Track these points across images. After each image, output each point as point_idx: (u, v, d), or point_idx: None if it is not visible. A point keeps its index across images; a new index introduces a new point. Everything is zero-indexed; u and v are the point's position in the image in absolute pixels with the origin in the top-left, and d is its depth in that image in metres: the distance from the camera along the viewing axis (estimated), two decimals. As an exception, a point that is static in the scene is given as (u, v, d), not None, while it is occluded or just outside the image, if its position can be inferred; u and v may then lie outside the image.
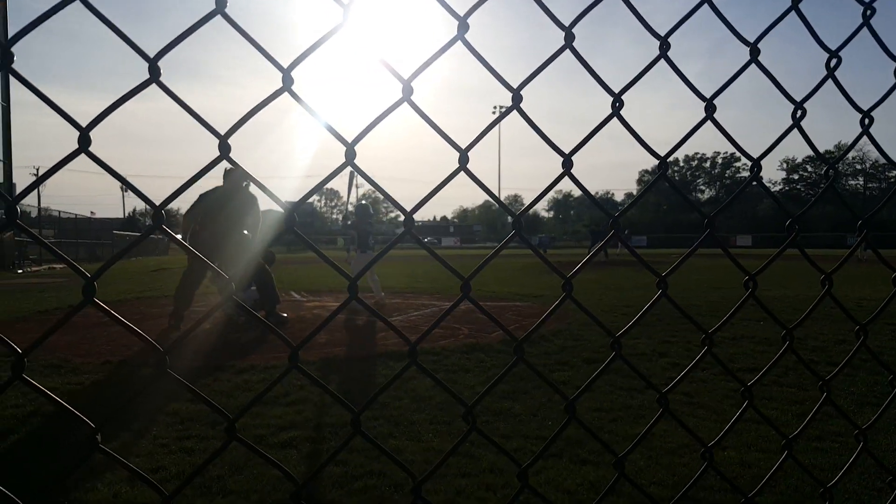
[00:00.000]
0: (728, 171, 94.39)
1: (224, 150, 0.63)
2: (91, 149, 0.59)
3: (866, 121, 1.02)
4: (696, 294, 10.54)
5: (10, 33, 0.57)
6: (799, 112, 0.96)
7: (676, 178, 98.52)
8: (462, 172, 0.74)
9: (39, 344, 0.64)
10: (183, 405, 3.86)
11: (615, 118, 0.84)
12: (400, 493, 2.70)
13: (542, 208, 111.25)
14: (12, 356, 0.59)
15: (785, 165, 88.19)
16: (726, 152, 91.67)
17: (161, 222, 0.64)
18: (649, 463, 3.03)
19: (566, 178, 0.85)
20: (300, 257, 31.68)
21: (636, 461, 3.03)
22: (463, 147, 0.73)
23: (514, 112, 0.81)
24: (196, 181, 0.64)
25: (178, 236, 6.99)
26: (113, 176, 0.61)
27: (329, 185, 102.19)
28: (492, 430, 3.52)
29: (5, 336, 0.60)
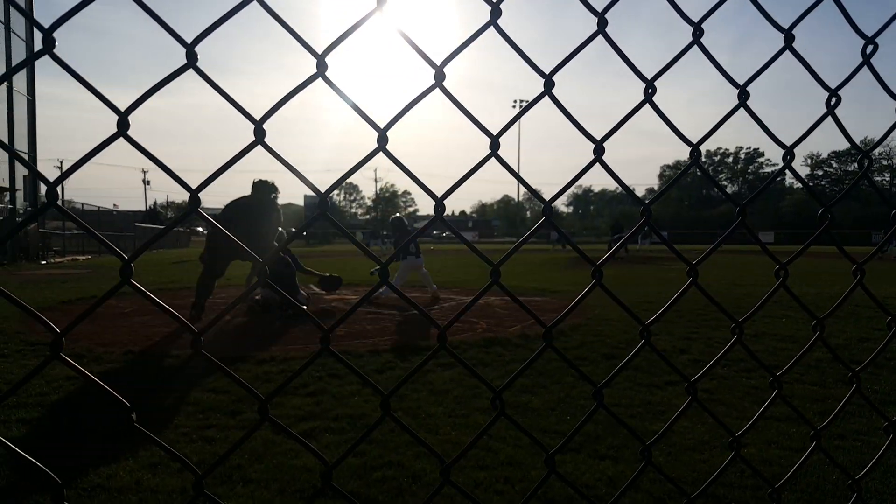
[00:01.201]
0: (751, 167, 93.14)
1: (259, 135, 0.63)
2: (111, 143, 0.60)
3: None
4: (717, 290, 10.43)
5: (38, 24, 0.58)
6: (833, 99, 0.94)
7: (697, 172, 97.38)
8: (493, 159, 0.74)
9: (77, 324, 0.66)
10: (204, 395, 3.91)
11: (647, 105, 0.84)
12: (418, 484, 2.72)
13: (561, 203, 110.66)
14: (50, 337, 0.61)
15: (809, 161, 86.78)
16: (749, 147, 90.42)
17: (198, 205, 0.65)
18: (669, 459, 3.02)
19: (595, 167, 0.84)
20: (318, 251, 31.86)
21: (655, 457, 3.02)
22: (494, 133, 0.73)
23: (535, 105, 0.81)
24: (231, 165, 0.65)
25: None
26: (150, 159, 0.62)
27: (349, 180, 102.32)
28: (509, 423, 3.52)
29: (31, 326, 0.61)
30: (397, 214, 10.47)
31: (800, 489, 2.70)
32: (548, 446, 3.19)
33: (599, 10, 0.80)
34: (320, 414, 3.58)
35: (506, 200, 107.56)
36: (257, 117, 0.67)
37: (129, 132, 0.61)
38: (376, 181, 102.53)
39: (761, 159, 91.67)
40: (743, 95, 0.88)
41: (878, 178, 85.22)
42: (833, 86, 0.95)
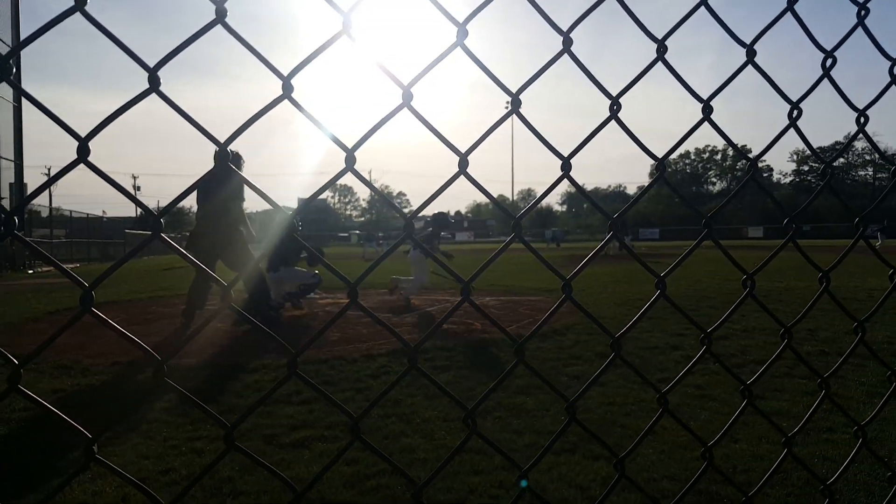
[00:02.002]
0: (739, 164, 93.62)
1: (223, 157, 0.63)
2: (103, 147, 0.59)
3: (861, 119, 1.01)
4: (709, 285, 10.49)
5: (24, 34, 0.57)
6: (795, 112, 0.94)
7: (688, 170, 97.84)
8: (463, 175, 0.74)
9: (34, 357, 0.65)
10: (193, 406, 3.90)
11: (613, 121, 0.83)
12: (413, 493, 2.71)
13: (555, 202, 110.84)
14: (10, 366, 0.60)
15: (795, 157, 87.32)
16: (740, 144, 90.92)
17: (159, 230, 0.64)
18: (661, 457, 3.02)
19: (568, 178, 0.84)
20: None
21: (648, 455, 3.02)
22: (463, 151, 0.72)
23: (523, 106, 0.81)
24: (193, 190, 0.64)
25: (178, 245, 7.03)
26: (113, 186, 0.61)
27: (343, 182, 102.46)
28: (505, 425, 3.52)
29: (13, 339, 0.60)
30: (443, 211, 10.21)
31: (790, 483, 2.72)
32: (542, 448, 3.18)
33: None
34: (313, 422, 3.56)
35: (500, 200, 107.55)
36: (245, 120, 0.67)
37: (118, 136, 0.60)
38: (372, 182, 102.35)
39: (750, 155, 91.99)
40: (707, 110, 0.88)
41: (863, 173, 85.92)
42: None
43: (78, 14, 0.61)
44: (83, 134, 0.56)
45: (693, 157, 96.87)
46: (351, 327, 6.78)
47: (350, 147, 0.68)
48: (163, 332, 6.72)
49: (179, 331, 6.79)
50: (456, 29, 0.70)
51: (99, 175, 0.58)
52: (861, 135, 1.03)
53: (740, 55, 0.94)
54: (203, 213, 6.87)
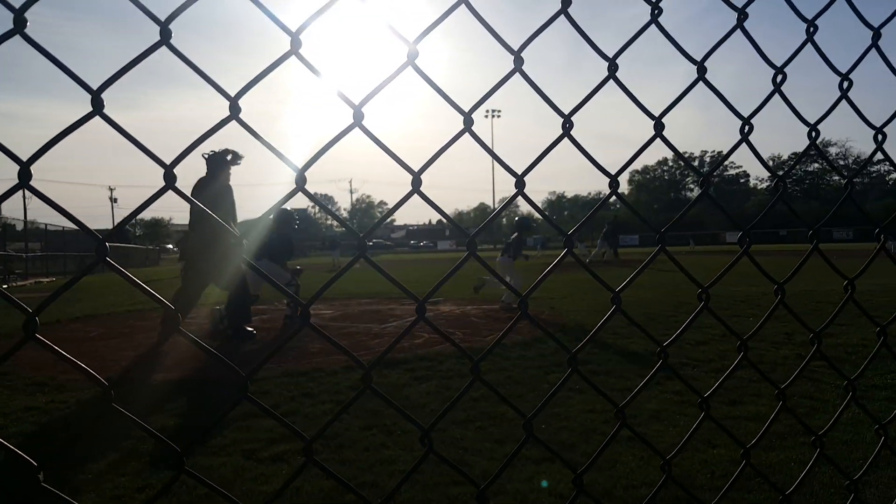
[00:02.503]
0: (716, 170, 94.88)
1: (169, 179, 0.62)
2: (77, 159, 0.59)
3: (813, 133, 1.03)
4: (686, 292, 10.58)
5: None
6: (747, 127, 0.96)
7: (666, 177, 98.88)
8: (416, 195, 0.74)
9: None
10: (170, 419, 3.83)
11: (566, 139, 0.84)
12: (391, 504, 2.69)
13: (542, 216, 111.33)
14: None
15: (771, 163, 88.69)
16: (714, 151, 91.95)
17: (105, 254, 0.63)
18: (641, 464, 3.03)
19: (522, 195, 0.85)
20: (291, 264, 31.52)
21: (627, 462, 3.03)
22: (416, 170, 0.72)
23: (506, 114, 0.81)
24: (141, 211, 0.64)
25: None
26: (56, 209, 0.60)
27: (324, 191, 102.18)
28: (486, 435, 3.52)
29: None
30: (524, 217, 10.58)
31: (763, 489, 2.74)
32: (522, 457, 3.15)
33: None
34: (292, 437, 3.52)
35: (482, 208, 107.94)
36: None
37: (93, 145, 0.59)
38: (351, 192, 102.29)
39: (726, 163, 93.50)
40: (659, 126, 0.89)
41: (836, 178, 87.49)
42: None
43: (41, 22, 0.60)
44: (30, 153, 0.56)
45: (671, 164, 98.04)
46: (333, 338, 6.74)
47: (300, 167, 0.68)
48: (140, 347, 6.63)
49: (156, 344, 6.68)
50: (406, 49, 0.70)
51: (43, 200, 0.57)
52: (814, 149, 1.05)
53: (715, 66, 0.95)
54: (199, 236, 6.36)
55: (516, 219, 9.92)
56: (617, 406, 1.04)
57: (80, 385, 4.85)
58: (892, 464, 2.91)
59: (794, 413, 1.25)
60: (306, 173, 0.72)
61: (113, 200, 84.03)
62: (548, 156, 0.86)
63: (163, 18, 0.62)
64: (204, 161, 6.34)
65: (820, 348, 1.18)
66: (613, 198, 1.00)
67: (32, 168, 0.58)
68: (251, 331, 6.99)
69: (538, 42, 0.80)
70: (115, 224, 0.63)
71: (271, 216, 8.55)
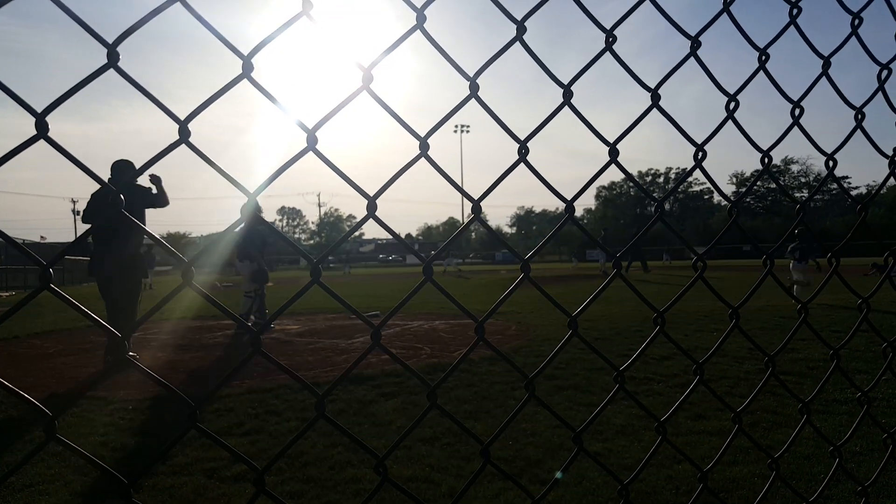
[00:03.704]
0: (681, 186, 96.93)
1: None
2: (37, 170, 0.57)
3: (766, 159, 1.06)
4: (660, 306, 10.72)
5: None
6: (700, 154, 0.99)
7: (632, 192, 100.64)
8: (372, 218, 0.74)
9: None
10: (131, 439, 3.73)
11: (522, 163, 0.85)
12: (356, 524, 2.65)
13: (504, 224, 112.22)
14: None
15: (734, 179, 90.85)
16: (679, 168, 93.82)
17: (49, 281, 0.61)
18: (607, 480, 3.05)
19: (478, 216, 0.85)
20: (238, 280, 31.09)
21: (593, 479, 3.04)
22: (371, 194, 0.72)
23: (474, 129, 0.82)
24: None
25: None
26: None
27: (293, 204, 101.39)
28: (453, 451, 3.50)
29: None
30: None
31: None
32: (489, 474, 3.14)
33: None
34: (256, 454, 3.46)
35: (451, 223, 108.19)
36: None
37: (55, 158, 0.57)
38: (319, 206, 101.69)
39: (690, 179, 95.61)
40: (613, 153, 0.91)
41: (798, 194, 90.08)
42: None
43: (14, 32, 0.59)
44: None
45: (638, 180, 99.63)
46: (298, 354, 6.66)
47: (252, 191, 0.67)
48: (99, 363, 6.44)
49: (107, 371, 6.50)
50: (361, 74, 0.71)
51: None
52: (766, 174, 1.09)
53: (678, 89, 0.97)
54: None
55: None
56: (575, 430, 1.05)
57: (40, 401, 4.69)
58: (842, 480, 2.98)
59: (749, 437, 1.27)
60: (273, 187, 0.72)
61: (76, 213, 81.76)
62: (517, 173, 0.87)
63: (115, 36, 0.61)
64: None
65: (774, 372, 1.21)
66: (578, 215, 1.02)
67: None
68: (133, 355, 6.78)
69: (505, 60, 0.81)
70: (61, 251, 0.61)
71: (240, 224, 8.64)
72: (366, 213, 0.72)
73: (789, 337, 1.33)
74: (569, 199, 0.92)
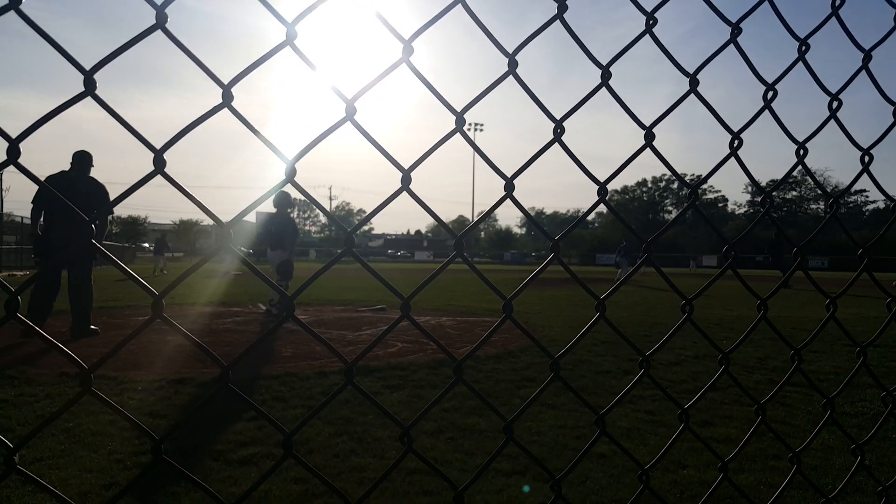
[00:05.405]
0: (703, 184, 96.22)
1: (159, 164, 0.61)
2: (53, 154, 0.57)
3: (801, 151, 1.05)
4: (661, 312, 10.69)
5: None
6: (736, 142, 0.98)
7: (645, 198, 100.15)
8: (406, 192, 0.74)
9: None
10: (106, 427, 3.76)
11: (557, 143, 0.85)
12: (360, 512, 2.66)
13: (514, 224, 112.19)
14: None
15: (750, 188, 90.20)
16: (693, 174, 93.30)
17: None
18: (611, 481, 3.04)
19: (510, 200, 0.85)
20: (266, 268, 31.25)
21: (598, 479, 3.04)
22: (406, 168, 0.73)
23: (488, 128, 0.82)
24: (122, 200, 0.63)
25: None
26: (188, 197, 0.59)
27: (303, 198, 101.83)
28: (456, 446, 3.50)
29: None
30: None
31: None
32: (493, 470, 3.15)
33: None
34: (262, 439, 3.48)
35: (461, 221, 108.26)
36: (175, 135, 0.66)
37: (48, 139, 0.58)
38: (331, 199, 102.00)
39: (704, 186, 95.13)
40: (649, 136, 0.91)
41: (815, 206, 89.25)
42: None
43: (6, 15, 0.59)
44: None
45: (650, 186, 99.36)
46: (304, 344, 6.68)
47: (291, 158, 0.67)
48: (110, 343, 6.50)
49: (112, 342, 6.55)
50: (402, 45, 0.71)
51: (176, 187, 0.57)
52: (801, 166, 1.08)
53: (701, 88, 0.97)
54: (66, 220, 6.53)
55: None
56: (598, 413, 1.05)
57: (49, 379, 4.74)
58: (860, 490, 2.96)
59: (771, 428, 1.26)
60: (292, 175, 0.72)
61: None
62: (529, 172, 0.87)
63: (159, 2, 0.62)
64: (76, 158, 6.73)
65: (800, 365, 1.20)
66: (590, 215, 1.01)
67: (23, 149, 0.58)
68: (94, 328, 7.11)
69: (522, 60, 0.81)
70: (114, 200, 0.62)
71: (273, 207, 8.77)
72: (400, 185, 0.72)
73: (819, 329, 1.31)
74: (602, 181, 0.92)
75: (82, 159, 6.67)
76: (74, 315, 6.88)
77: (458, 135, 0.85)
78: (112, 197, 6.17)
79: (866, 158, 1.13)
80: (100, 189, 6.82)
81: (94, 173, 6.82)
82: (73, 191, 6.36)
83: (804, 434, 3.85)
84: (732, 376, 1.24)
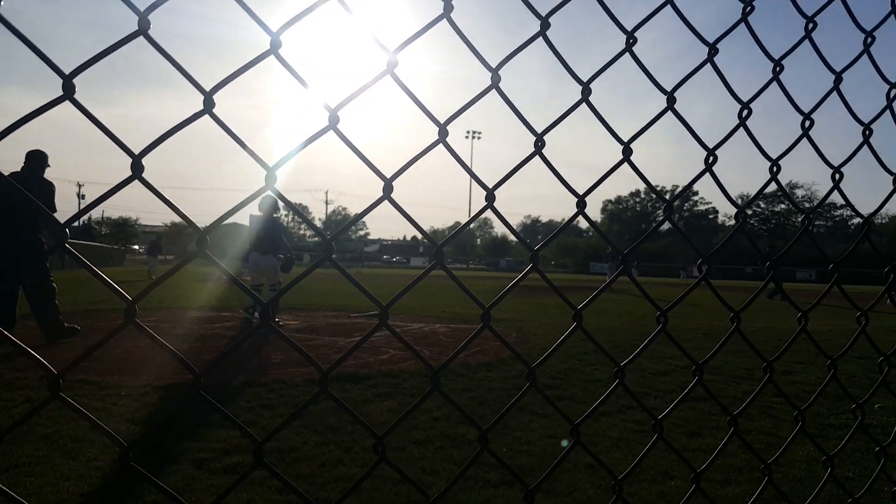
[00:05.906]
0: (686, 204, 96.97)
1: (136, 170, 0.61)
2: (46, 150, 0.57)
3: (774, 168, 1.06)
4: (652, 321, 10.71)
5: None
6: (711, 158, 0.99)
7: (637, 208, 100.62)
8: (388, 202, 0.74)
9: None
10: (81, 430, 3.73)
11: (538, 157, 0.86)
12: (345, 521, 2.64)
13: (510, 232, 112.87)
14: None
15: (739, 201, 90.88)
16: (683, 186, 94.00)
17: (64, 239, 0.61)
18: (599, 492, 3.04)
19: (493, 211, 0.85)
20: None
21: (585, 490, 3.03)
22: (388, 177, 0.72)
23: (486, 136, 0.82)
24: (103, 200, 0.62)
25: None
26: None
27: (299, 200, 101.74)
28: (445, 456, 3.48)
29: None
30: None
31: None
32: (481, 480, 3.13)
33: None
34: (246, 448, 3.45)
35: (456, 226, 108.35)
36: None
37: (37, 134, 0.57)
38: (327, 203, 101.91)
39: (695, 197, 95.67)
40: (627, 152, 0.92)
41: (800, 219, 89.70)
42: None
43: None
44: None
45: (643, 196, 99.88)
46: (294, 350, 6.64)
47: (271, 166, 0.67)
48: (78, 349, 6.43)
49: (88, 346, 6.49)
50: (387, 58, 0.71)
51: (153, 193, 0.56)
52: (775, 183, 1.09)
53: (685, 106, 0.98)
54: (10, 222, 6.28)
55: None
56: (573, 423, 1.05)
57: (28, 384, 4.69)
58: (835, 496, 2.96)
59: (743, 440, 1.26)
60: (281, 181, 0.72)
61: (81, 196, 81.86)
62: (525, 181, 0.88)
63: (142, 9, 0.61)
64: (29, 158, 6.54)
65: (772, 377, 1.21)
66: (586, 224, 1.02)
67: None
68: (75, 328, 7.12)
69: (523, 70, 0.81)
70: (78, 211, 0.61)
71: (259, 210, 8.77)
72: (381, 194, 0.72)
73: (791, 341, 1.32)
74: (581, 193, 0.92)
75: (36, 158, 6.43)
76: (37, 320, 6.76)
77: (456, 139, 0.85)
78: (90, 200, 6.12)
79: (837, 176, 1.15)
80: (49, 187, 6.52)
81: (93, 173, 6.79)
82: (13, 195, 5.97)
83: (791, 445, 3.85)
84: (705, 386, 1.25)
